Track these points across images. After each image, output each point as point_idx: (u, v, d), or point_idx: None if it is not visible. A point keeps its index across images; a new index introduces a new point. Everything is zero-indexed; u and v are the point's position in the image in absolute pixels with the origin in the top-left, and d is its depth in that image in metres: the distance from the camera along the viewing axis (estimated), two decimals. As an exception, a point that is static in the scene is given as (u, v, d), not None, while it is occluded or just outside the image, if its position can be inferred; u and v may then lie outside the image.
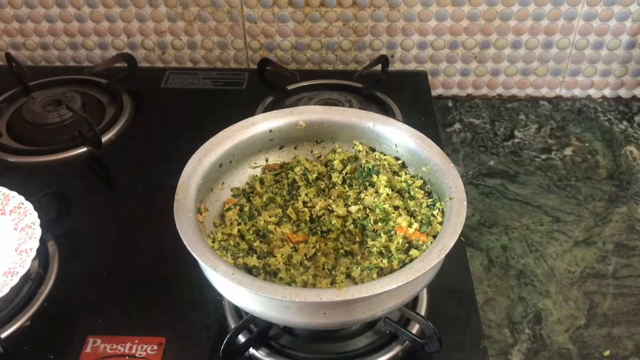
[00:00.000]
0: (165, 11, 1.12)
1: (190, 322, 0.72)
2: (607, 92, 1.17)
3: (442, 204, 0.67)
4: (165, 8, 1.11)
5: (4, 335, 0.69)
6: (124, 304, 0.74)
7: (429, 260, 0.58)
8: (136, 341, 0.68)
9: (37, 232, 0.73)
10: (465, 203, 0.63)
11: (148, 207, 0.87)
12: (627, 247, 0.88)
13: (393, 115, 0.98)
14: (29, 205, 0.76)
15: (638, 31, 1.09)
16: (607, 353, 0.75)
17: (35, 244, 0.72)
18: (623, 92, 1.17)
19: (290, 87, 1.06)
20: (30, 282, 0.75)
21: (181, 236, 0.61)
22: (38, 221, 0.74)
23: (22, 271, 0.68)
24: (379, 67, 1.06)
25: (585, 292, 0.82)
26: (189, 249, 0.59)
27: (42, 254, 0.78)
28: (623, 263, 0.86)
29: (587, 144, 1.06)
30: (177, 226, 0.62)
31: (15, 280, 0.68)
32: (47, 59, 1.19)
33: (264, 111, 0.96)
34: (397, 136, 0.73)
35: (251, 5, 1.10)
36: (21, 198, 0.77)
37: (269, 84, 1.05)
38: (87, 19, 1.13)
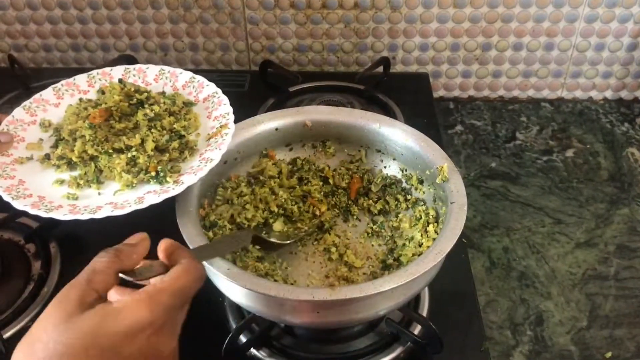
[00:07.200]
0: (167, 13, 1.12)
1: (192, 322, 0.72)
2: (609, 94, 1.17)
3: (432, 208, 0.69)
4: (168, 10, 1.11)
5: (6, 335, 0.69)
6: (126, 305, 0.74)
7: (424, 264, 0.58)
8: (138, 342, 0.68)
9: (224, 99, 0.72)
10: (465, 208, 0.63)
11: (150, 208, 0.86)
12: (628, 249, 0.88)
13: (395, 117, 0.98)
14: (201, 79, 0.76)
15: (639, 33, 1.09)
16: (608, 355, 0.75)
17: (229, 109, 0.71)
18: (624, 94, 1.17)
19: (292, 89, 1.06)
20: (33, 283, 0.75)
21: (181, 230, 0.61)
22: (219, 90, 0.74)
23: (230, 132, 0.68)
24: (380, 69, 1.06)
25: (587, 294, 0.82)
26: (187, 243, 0.60)
27: (44, 255, 0.78)
28: (624, 265, 0.86)
29: (588, 146, 1.06)
30: (177, 220, 0.62)
31: (227, 140, 0.66)
32: (50, 61, 1.19)
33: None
34: (402, 139, 0.73)
35: (253, 7, 1.10)
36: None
37: (270, 86, 1.05)
38: (90, 20, 1.13)
